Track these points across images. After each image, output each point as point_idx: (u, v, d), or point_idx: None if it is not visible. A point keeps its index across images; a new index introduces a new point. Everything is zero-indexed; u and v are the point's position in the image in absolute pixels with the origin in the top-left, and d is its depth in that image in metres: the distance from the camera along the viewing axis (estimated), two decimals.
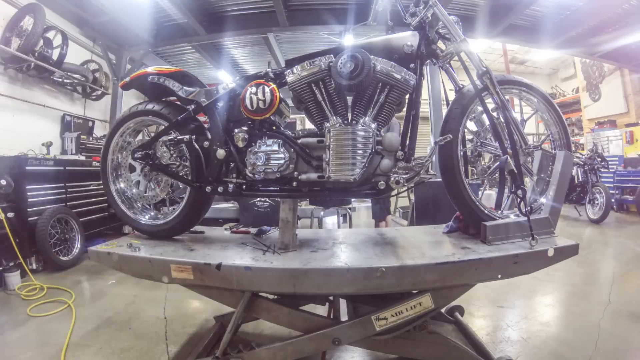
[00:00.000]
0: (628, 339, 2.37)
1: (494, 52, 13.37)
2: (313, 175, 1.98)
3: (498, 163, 1.99)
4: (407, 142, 1.97)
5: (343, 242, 2.12)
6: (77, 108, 6.39)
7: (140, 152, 2.21)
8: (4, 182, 3.83)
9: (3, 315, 2.94)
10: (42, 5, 4.90)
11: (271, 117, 2.03)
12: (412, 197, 4.55)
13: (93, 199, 5.10)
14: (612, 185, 7.58)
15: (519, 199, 1.84)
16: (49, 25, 5.15)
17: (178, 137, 2.15)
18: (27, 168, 4.12)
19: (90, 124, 6.46)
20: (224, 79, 9.30)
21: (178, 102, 2.25)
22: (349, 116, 1.94)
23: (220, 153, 2.06)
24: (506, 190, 2.16)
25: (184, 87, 2.17)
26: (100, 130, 6.85)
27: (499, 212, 2.11)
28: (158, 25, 6.90)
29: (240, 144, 2.05)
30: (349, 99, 2.00)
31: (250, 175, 2.05)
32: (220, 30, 6.81)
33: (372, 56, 1.88)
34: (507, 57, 10.44)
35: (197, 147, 2.11)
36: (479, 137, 2.16)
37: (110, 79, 6.90)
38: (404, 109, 2.04)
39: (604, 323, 2.58)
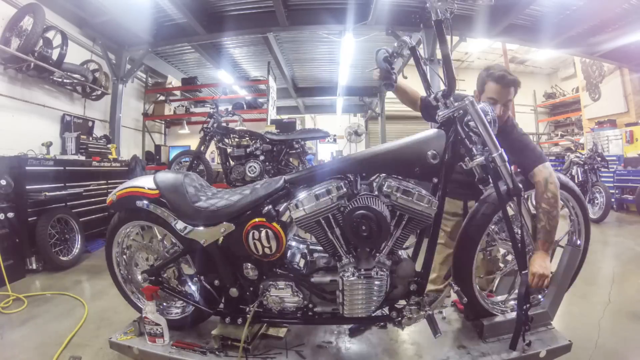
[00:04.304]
0: (628, 339, 2.37)
1: (494, 51, 13.37)
2: (328, 309, 1.90)
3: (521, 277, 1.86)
4: (422, 270, 1.85)
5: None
6: (77, 108, 6.38)
7: (149, 277, 2.13)
8: (4, 182, 3.83)
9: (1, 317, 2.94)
10: (42, 5, 4.89)
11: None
12: None
13: (93, 199, 5.11)
14: (612, 184, 7.58)
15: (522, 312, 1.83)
16: (49, 25, 5.14)
17: (185, 277, 2.13)
18: (27, 168, 4.11)
19: (90, 123, 6.45)
20: (225, 80, 9.31)
21: None
22: (360, 252, 1.78)
23: (233, 292, 1.96)
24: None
25: (180, 220, 1.94)
26: (100, 130, 6.84)
27: (501, 302, 2.14)
28: (158, 25, 6.90)
29: (252, 277, 1.93)
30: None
31: (266, 305, 1.93)
32: (220, 30, 6.80)
33: (390, 183, 1.67)
34: (507, 57, 10.45)
35: (207, 286, 2.02)
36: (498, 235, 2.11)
37: (110, 79, 6.89)
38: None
39: (604, 322, 2.58)
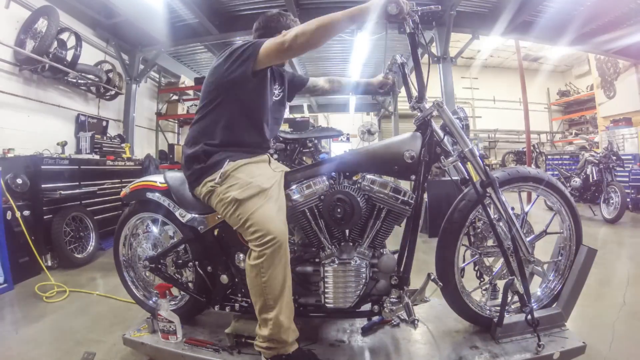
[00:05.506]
0: None
1: (507, 49, 13.23)
2: (311, 300, 2.01)
3: (505, 282, 1.92)
4: (403, 262, 1.92)
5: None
6: (91, 108, 6.49)
7: (150, 265, 2.26)
8: (20, 181, 3.91)
9: (18, 312, 3.00)
10: (56, 7, 4.98)
11: None
12: (425, 196, 4.51)
13: (107, 198, 5.19)
14: (627, 184, 7.43)
15: (528, 317, 1.87)
16: (63, 27, 5.24)
17: (182, 261, 2.23)
18: (42, 167, 4.19)
19: (104, 123, 6.55)
20: None
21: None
22: (344, 245, 1.93)
23: (224, 279, 2.09)
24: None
25: (182, 209, 2.10)
26: (114, 130, 6.95)
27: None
28: (170, 25, 6.95)
29: (242, 267, 2.03)
30: None
31: None
32: (232, 29, 6.84)
33: (368, 177, 1.85)
34: (521, 54, 10.30)
35: (201, 272, 2.14)
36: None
37: (124, 79, 6.99)
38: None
39: (619, 324, 2.54)
